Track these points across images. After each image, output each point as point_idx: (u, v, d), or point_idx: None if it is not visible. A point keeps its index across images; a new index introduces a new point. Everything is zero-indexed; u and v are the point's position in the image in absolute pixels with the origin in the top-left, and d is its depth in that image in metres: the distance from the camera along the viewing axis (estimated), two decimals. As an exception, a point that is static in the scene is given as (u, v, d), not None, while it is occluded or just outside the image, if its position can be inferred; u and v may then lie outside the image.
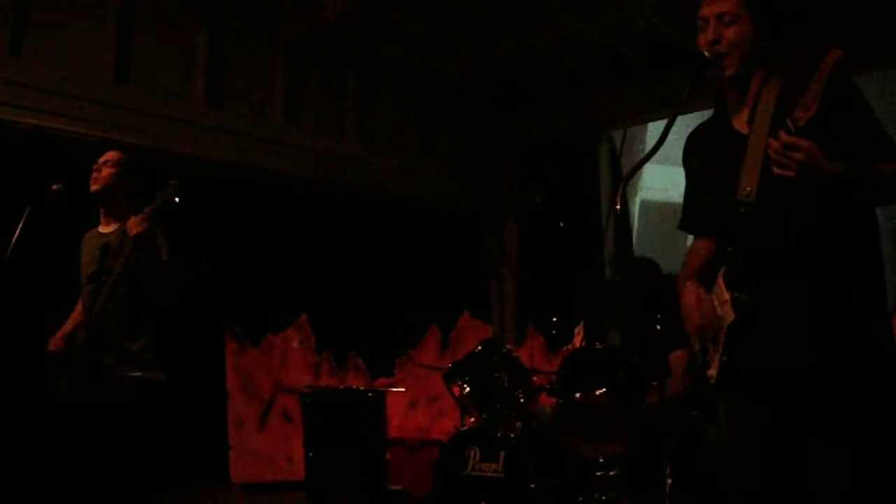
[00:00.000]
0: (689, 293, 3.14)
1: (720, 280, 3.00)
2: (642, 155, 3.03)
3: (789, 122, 2.64)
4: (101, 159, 5.07)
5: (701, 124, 3.34)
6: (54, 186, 4.98)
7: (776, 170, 2.67)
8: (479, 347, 6.33)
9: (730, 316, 2.93)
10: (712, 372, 3.00)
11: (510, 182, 10.82)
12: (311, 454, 7.89)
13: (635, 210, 10.57)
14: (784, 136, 2.62)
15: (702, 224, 3.31)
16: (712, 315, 3.02)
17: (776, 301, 2.89)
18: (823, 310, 2.85)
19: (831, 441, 2.83)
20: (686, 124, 3.31)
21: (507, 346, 6.53)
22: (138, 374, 4.79)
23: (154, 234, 4.76)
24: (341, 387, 8.67)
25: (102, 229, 5.12)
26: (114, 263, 4.77)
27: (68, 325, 5.11)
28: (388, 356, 9.36)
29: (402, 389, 8.81)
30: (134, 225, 4.65)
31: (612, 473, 5.55)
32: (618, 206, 3.13)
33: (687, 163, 3.39)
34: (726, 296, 2.95)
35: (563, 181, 10.23)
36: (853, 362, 2.81)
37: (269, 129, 8.37)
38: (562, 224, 9.70)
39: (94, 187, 5.05)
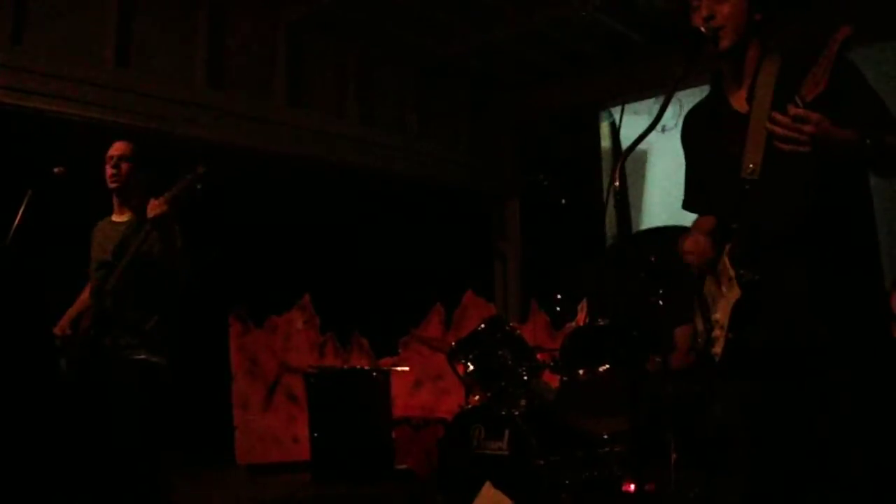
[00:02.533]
0: (687, 239, 3.17)
1: (725, 257, 3.00)
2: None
3: (797, 99, 2.63)
4: (115, 154, 5.03)
5: (698, 103, 3.33)
6: (56, 170, 4.98)
7: (785, 146, 2.65)
8: (483, 325, 6.34)
9: (735, 293, 2.93)
10: (717, 349, 3.00)
11: (512, 161, 10.84)
12: (315, 434, 7.92)
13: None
14: (793, 109, 2.60)
15: (705, 203, 3.30)
16: (710, 249, 3.04)
17: (780, 278, 2.89)
18: (825, 288, 2.85)
19: (833, 418, 2.84)
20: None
21: (511, 324, 6.52)
22: (143, 356, 4.79)
23: (171, 219, 4.74)
24: (345, 367, 8.69)
25: (115, 218, 5.13)
26: (127, 246, 4.78)
27: (73, 310, 5.10)
28: (392, 335, 9.37)
29: (407, 368, 8.83)
30: (153, 207, 4.62)
31: (616, 450, 5.55)
32: (616, 183, 3.09)
33: (686, 142, 3.38)
34: (732, 273, 2.95)
35: (565, 159, 10.23)
36: (853, 340, 2.82)
37: (270, 110, 8.36)
38: (563, 201, 9.70)
39: (113, 184, 5.05)
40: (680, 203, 3.43)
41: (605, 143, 10.40)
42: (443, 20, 8.82)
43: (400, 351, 9.39)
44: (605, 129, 10.47)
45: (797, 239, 2.87)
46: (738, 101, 3.08)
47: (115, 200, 5.14)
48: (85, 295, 5.14)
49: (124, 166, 5.00)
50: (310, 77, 8.75)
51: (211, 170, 4.71)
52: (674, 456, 5.16)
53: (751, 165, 2.91)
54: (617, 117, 10.27)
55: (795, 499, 2.96)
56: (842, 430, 2.83)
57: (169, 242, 4.74)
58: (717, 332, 3.01)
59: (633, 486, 5.34)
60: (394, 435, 7.88)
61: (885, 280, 3.02)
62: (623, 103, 9.53)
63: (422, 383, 9.15)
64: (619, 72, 9.41)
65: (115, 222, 5.11)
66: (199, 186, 4.67)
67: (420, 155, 9.69)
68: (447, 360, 6.50)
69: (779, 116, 2.65)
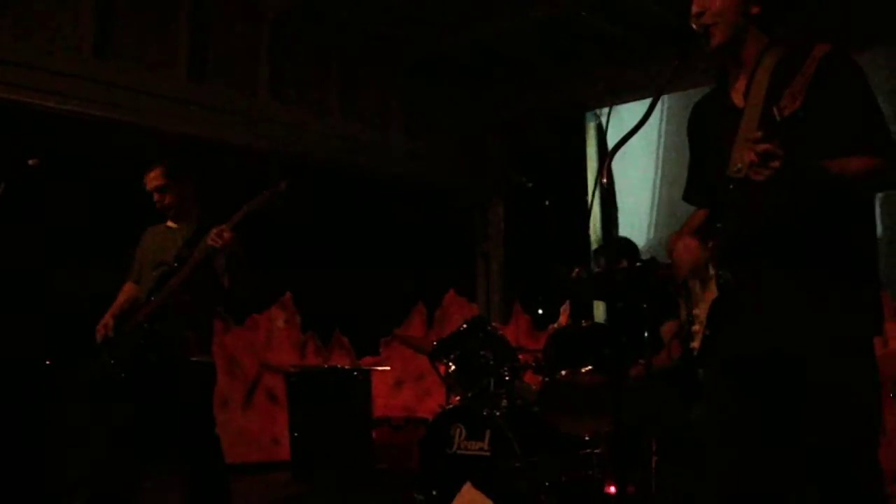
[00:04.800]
0: (678, 242, 3.12)
1: (707, 255, 2.96)
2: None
3: (775, 111, 2.60)
4: (151, 187, 5.11)
5: (704, 95, 3.29)
6: (31, 162, 4.94)
7: (753, 175, 2.62)
8: (465, 326, 6.30)
9: (714, 292, 2.90)
10: (695, 344, 2.97)
11: (497, 160, 10.80)
12: (296, 434, 7.88)
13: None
14: (760, 147, 2.56)
15: (703, 197, 3.27)
16: (699, 259, 3.00)
17: (756, 283, 2.86)
18: (800, 296, 2.82)
19: (809, 421, 2.82)
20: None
21: (493, 324, 6.49)
22: (200, 357, 4.99)
23: (236, 244, 4.79)
24: (326, 366, 8.66)
25: (171, 224, 5.22)
26: (191, 253, 4.89)
27: (116, 307, 5.20)
28: (373, 335, 9.33)
29: (388, 368, 8.81)
30: (215, 236, 4.66)
31: (597, 451, 5.53)
32: (604, 180, 3.05)
33: (690, 134, 3.36)
34: (712, 272, 2.92)
35: (551, 159, 10.21)
36: (831, 347, 2.79)
37: (252, 105, 8.29)
38: (547, 202, 9.69)
39: (167, 213, 5.17)
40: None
41: (592, 144, 10.38)
42: (429, 16, 8.78)
43: (381, 350, 9.36)
44: (591, 129, 10.45)
45: (777, 243, 2.84)
46: (738, 95, 3.04)
47: (166, 212, 5.23)
48: (125, 295, 5.27)
49: (168, 197, 5.12)
50: (293, 72, 8.68)
51: (291, 186, 4.72)
52: (655, 458, 5.15)
53: (738, 164, 2.86)
54: (604, 119, 10.25)
55: (771, 500, 2.95)
56: (817, 434, 2.80)
57: (236, 264, 4.89)
58: (696, 327, 2.98)
59: (613, 489, 5.32)
60: (374, 435, 7.85)
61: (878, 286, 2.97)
62: (611, 105, 9.53)
63: (403, 383, 9.11)
64: (608, 72, 9.38)
65: (171, 227, 5.21)
66: (275, 204, 4.72)
67: (403, 153, 9.64)
68: (428, 360, 6.46)
69: (747, 154, 2.60)
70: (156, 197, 5.09)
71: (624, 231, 9.23)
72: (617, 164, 3.06)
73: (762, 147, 2.54)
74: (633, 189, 9.68)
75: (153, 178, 5.10)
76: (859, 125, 2.79)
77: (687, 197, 3.40)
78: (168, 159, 5.16)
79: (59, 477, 6.17)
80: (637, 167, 9.71)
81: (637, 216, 9.71)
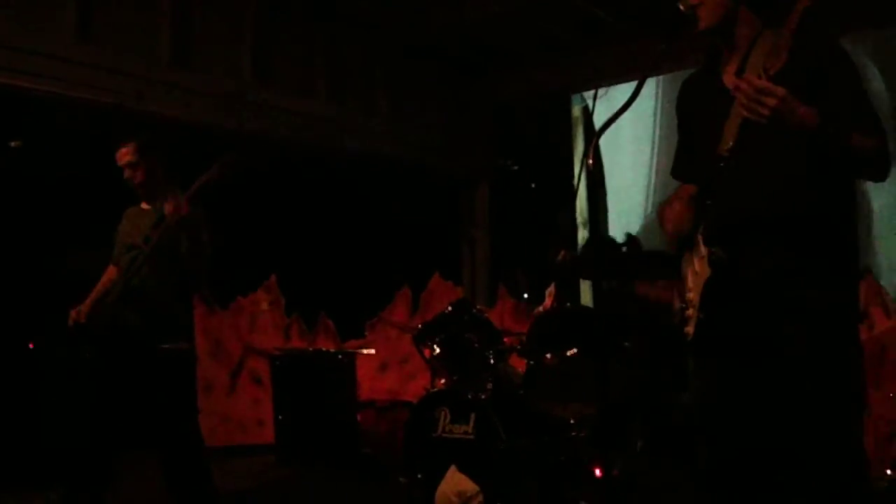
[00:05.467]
0: (666, 208, 3.17)
1: (699, 234, 2.96)
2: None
3: (761, 71, 2.59)
4: (122, 162, 5.06)
5: (694, 72, 3.29)
6: (12, 144, 4.94)
7: (745, 113, 2.62)
8: (450, 308, 6.30)
9: (706, 271, 2.89)
10: (689, 329, 2.97)
11: (483, 145, 10.77)
12: (280, 417, 7.87)
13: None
14: (756, 81, 2.56)
15: (691, 174, 3.26)
16: (685, 222, 3.00)
17: (748, 261, 2.86)
18: (785, 279, 2.83)
19: (796, 405, 2.83)
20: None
21: (478, 307, 6.48)
22: (172, 344, 4.94)
23: (193, 216, 4.75)
24: (311, 349, 8.64)
25: (145, 206, 5.20)
26: (154, 235, 4.86)
27: (95, 293, 5.18)
28: (358, 318, 9.32)
29: (373, 351, 8.79)
30: (172, 208, 4.64)
31: (582, 434, 5.53)
32: (590, 161, 3.05)
33: (680, 110, 3.36)
34: (704, 251, 2.92)
35: (538, 144, 10.20)
36: (816, 329, 2.80)
37: (237, 89, 8.22)
38: (533, 186, 9.68)
39: (137, 190, 5.14)
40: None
41: (578, 127, 10.37)
42: (415, 1, 8.73)
43: (366, 333, 9.34)
44: (577, 113, 10.44)
45: (768, 223, 2.84)
46: (729, 77, 3.02)
47: (139, 192, 5.19)
48: (107, 278, 5.25)
49: (138, 173, 5.06)
50: (278, 55, 8.61)
51: (240, 158, 4.72)
52: (640, 441, 5.16)
53: (729, 143, 2.86)
54: (590, 102, 10.23)
55: (758, 484, 2.95)
56: (804, 418, 2.81)
57: (194, 236, 4.83)
58: (689, 311, 2.98)
59: (599, 472, 5.33)
60: (359, 418, 7.83)
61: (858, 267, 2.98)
62: (597, 88, 9.50)
63: (388, 366, 9.10)
64: (594, 55, 9.34)
65: (144, 209, 5.18)
66: (225, 176, 4.69)
67: (389, 136, 9.59)
68: (413, 343, 6.46)
69: (742, 84, 2.60)
70: (127, 173, 5.04)
71: (621, 210, 9.24)
72: (613, 144, 3.07)
73: (759, 82, 2.54)
74: (631, 167, 9.63)
75: (125, 154, 5.04)
76: (859, 104, 2.79)
77: (675, 173, 3.40)
78: (140, 136, 5.11)
79: (40, 461, 6.15)
80: (633, 146, 9.68)
81: (634, 194, 9.67)
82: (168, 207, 4.65)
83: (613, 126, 3.00)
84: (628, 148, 9.65)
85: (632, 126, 9.41)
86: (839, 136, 2.69)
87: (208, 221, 4.90)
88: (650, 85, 8.39)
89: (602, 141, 3.11)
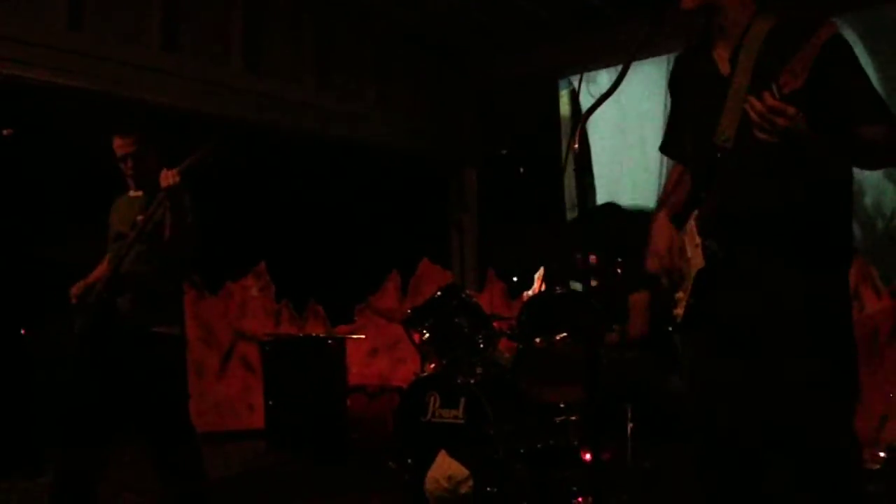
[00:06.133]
0: (660, 232, 3.11)
1: (692, 223, 2.95)
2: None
3: (774, 88, 2.53)
4: (120, 153, 5.03)
5: (687, 50, 3.24)
6: (4, 132, 4.92)
7: (757, 132, 2.59)
8: (439, 293, 6.29)
9: (700, 261, 2.89)
10: (679, 311, 2.97)
11: (470, 129, 10.76)
12: (270, 402, 7.88)
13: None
14: (770, 100, 2.52)
15: (681, 152, 3.26)
16: (679, 259, 2.99)
17: (742, 254, 2.87)
18: (781, 272, 2.83)
19: (785, 392, 2.84)
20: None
21: (467, 292, 6.48)
22: (162, 328, 4.90)
23: (182, 190, 4.73)
24: (301, 334, 8.65)
25: (132, 194, 5.15)
26: (141, 218, 4.83)
27: (91, 277, 5.15)
28: (347, 303, 9.32)
29: (362, 336, 8.81)
30: (165, 178, 4.62)
31: (572, 419, 5.54)
32: (576, 145, 3.02)
33: (672, 87, 3.34)
34: (698, 240, 2.92)
35: (524, 127, 10.18)
36: (808, 321, 2.80)
37: (226, 75, 8.21)
38: (521, 170, 9.67)
39: (133, 180, 5.09)
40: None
41: (565, 111, 10.36)
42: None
43: (356, 319, 9.35)
44: (564, 97, 10.42)
45: (764, 217, 2.83)
46: (722, 60, 2.99)
47: (130, 180, 5.14)
48: (103, 265, 5.19)
49: (134, 163, 5.03)
50: (267, 42, 8.59)
51: (226, 142, 4.73)
52: (630, 425, 5.17)
53: (725, 133, 2.84)
54: (576, 85, 10.21)
55: (749, 467, 2.96)
56: (797, 405, 2.82)
57: (180, 214, 4.76)
58: (679, 294, 2.98)
59: (588, 456, 5.34)
60: (349, 403, 7.84)
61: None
62: (583, 71, 9.49)
63: (378, 351, 9.11)
64: (581, 38, 9.31)
65: (132, 197, 5.13)
66: (212, 158, 4.70)
67: (377, 122, 9.58)
68: (403, 328, 6.46)
69: (756, 102, 2.56)
70: (129, 163, 5.04)
71: (633, 191, 9.19)
72: (620, 124, 3.04)
73: (772, 102, 2.51)
74: (644, 147, 9.54)
75: (126, 145, 5.03)
76: (862, 99, 2.77)
77: (664, 148, 3.39)
78: (139, 127, 5.10)
79: (31, 448, 6.16)
80: (646, 127, 9.59)
81: (646, 174, 9.58)
82: (162, 181, 4.64)
83: (624, 104, 2.97)
84: (636, 126, 9.53)
85: (642, 102, 9.26)
86: (845, 148, 2.69)
87: (194, 205, 4.88)
88: (661, 62, 8.40)
89: (609, 120, 3.08)
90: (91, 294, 4.96)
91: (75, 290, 5.04)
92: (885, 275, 6.92)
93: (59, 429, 5.07)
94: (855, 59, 2.81)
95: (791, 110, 2.51)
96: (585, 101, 9.55)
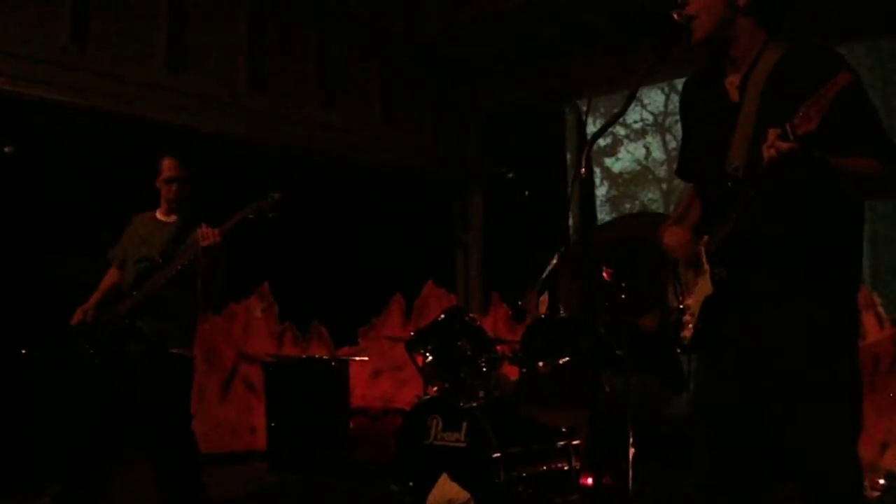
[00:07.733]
0: (667, 232, 3.16)
1: (702, 248, 2.95)
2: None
3: (788, 129, 2.51)
4: (169, 174, 5.13)
5: (697, 73, 3.22)
6: (6, 149, 4.93)
7: (766, 158, 2.57)
8: (443, 316, 6.29)
9: (708, 288, 2.88)
10: (686, 334, 2.97)
11: (476, 152, 10.77)
12: (273, 424, 7.86)
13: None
14: (784, 145, 2.50)
15: (695, 175, 3.26)
16: (690, 250, 3.01)
17: (751, 283, 2.85)
18: (790, 301, 2.81)
19: (793, 419, 2.81)
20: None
21: (471, 315, 6.47)
22: (180, 350, 5.00)
23: (222, 249, 4.80)
24: (304, 356, 8.64)
25: (161, 217, 5.21)
26: (175, 251, 4.92)
27: (99, 294, 5.22)
28: (351, 325, 9.31)
29: (366, 358, 8.80)
30: (206, 236, 4.66)
31: (574, 443, 5.53)
32: (582, 170, 3.02)
33: (683, 111, 3.32)
34: (706, 266, 2.91)
35: (530, 151, 10.19)
36: (817, 351, 2.79)
37: (231, 94, 8.23)
38: (526, 193, 9.67)
39: (170, 204, 5.18)
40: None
41: (571, 135, 10.37)
42: (408, 4, 8.74)
43: (360, 340, 9.34)
44: (571, 121, 10.44)
45: (775, 247, 2.82)
46: (731, 86, 2.98)
47: (163, 203, 5.21)
48: (109, 280, 5.27)
49: (182, 190, 5.14)
50: (272, 61, 8.62)
51: (280, 199, 4.73)
52: (632, 450, 5.15)
53: (735, 162, 2.84)
54: (583, 109, 10.24)
55: (753, 490, 2.95)
56: (802, 431, 2.80)
57: (214, 274, 4.89)
58: (687, 318, 2.97)
59: (590, 480, 5.32)
60: (351, 425, 7.84)
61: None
62: (590, 96, 9.51)
63: (381, 373, 9.10)
64: (588, 63, 9.34)
65: (160, 220, 5.20)
66: (254, 218, 4.72)
67: (383, 143, 9.60)
68: (406, 351, 6.46)
69: (771, 151, 2.53)
70: (174, 187, 5.07)
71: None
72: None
73: (786, 146, 2.50)
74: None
75: (176, 169, 5.08)
76: (866, 128, 2.75)
77: (679, 172, 3.39)
78: (182, 152, 5.15)
79: (35, 465, 6.15)
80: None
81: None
82: (202, 239, 4.66)
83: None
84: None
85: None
86: (835, 172, 2.68)
87: (228, 261, 4.92)
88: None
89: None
90: (109, 313, 4.98)
91: (83, 311, 5.07)
92: (889, 302, 6.92)
93: (62, 448, 5.07)
94: (867, 101, 2.80)
95: (802, 155, 2.51)
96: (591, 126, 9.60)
